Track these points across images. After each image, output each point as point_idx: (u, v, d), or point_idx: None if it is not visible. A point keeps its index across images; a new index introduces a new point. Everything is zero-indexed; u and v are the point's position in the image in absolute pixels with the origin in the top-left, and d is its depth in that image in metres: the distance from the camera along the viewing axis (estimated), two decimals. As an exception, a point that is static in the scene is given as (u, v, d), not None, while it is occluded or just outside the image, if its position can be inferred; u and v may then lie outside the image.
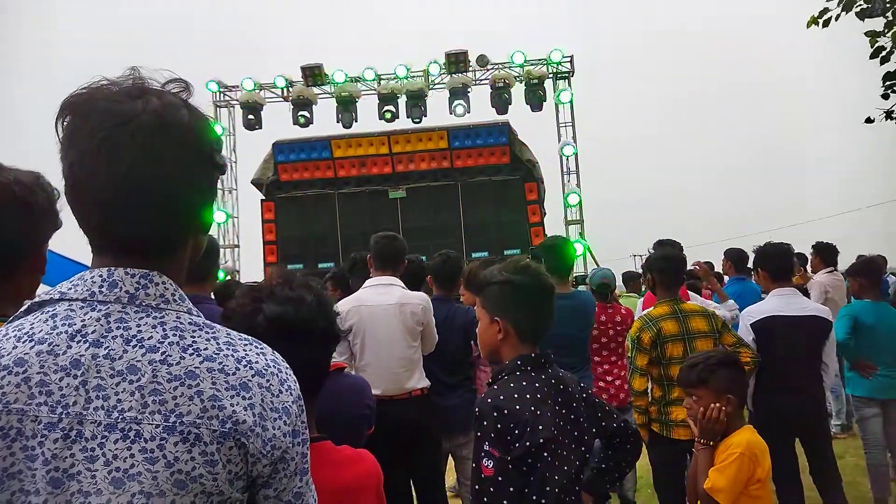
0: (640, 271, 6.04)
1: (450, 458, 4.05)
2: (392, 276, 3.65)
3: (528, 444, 1.68)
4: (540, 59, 12.32)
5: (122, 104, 0.86)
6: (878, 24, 5.71)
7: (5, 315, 1.30)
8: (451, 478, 4.35)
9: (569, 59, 12.44)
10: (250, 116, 12.72)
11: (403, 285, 3.66)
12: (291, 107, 12.64)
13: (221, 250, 12.58)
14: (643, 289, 6.16)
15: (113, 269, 0.88)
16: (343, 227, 11.18)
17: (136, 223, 0.87)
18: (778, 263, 3.82)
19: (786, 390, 3.56)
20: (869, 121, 5.98)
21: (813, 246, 6.31)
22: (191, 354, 0.85)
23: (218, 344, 0.88)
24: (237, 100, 13.07)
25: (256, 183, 12.00)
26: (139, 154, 0.84)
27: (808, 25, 5.99)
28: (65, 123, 0.87)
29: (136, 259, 0.89)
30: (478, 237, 11.13)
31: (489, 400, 1.75)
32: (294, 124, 12.55)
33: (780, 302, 3.69)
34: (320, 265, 10.62)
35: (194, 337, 0.87)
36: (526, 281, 1.89)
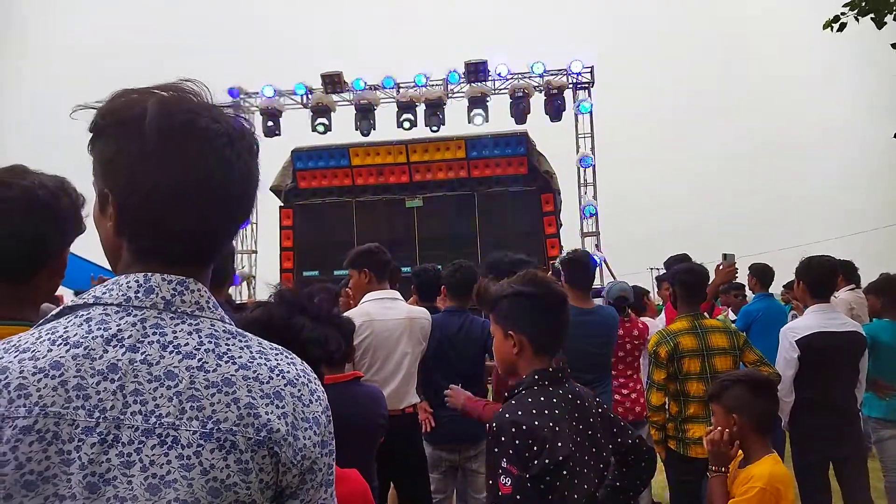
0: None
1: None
2: (392, 290, 3.62)
3: (546, 461, 1.64)
4: (560, 70, 12.32)
5: (190, 113, 0.87)
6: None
7: (26, 319, 1.30)
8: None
9: (589, 69, 12.42)
10: (269, 123, 12.81)
11: (402, 298, 3.65)
12: (310, 114, 12.73)
13: (239, 256, 12.68)
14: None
15: (150, 274, 0.87)
16: (360, 235, 11.20)
17: (200, 228, 0.89)
18: (819, 279, 3.73)
19: (826, 408, 3.50)
20: None
21: None
22: (226, 362, 0.85)
23: (251, 352, 0.89)
24: (257, 106, 13.17)
25: (275, 190, 12.09)
26: (214, 162, 0.87)
27: (825, 27, 5.99)
28: (114, 127, 0.86)
29: (177, 266, 0.89)
30: (493, 247, 11.08)
31: (507, 415, 1.70)
32: (313, 131, 12.63)
33: (821, 318, 3.61)
34: (336, 272, 10.65)
35: (229, 345, 0.88)
36: (537, 292, 1.86)
